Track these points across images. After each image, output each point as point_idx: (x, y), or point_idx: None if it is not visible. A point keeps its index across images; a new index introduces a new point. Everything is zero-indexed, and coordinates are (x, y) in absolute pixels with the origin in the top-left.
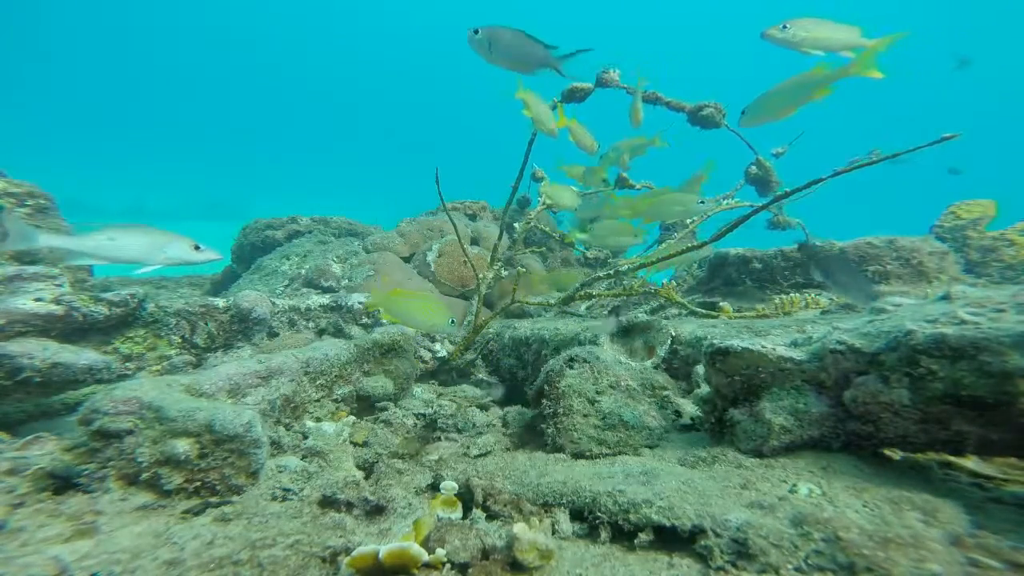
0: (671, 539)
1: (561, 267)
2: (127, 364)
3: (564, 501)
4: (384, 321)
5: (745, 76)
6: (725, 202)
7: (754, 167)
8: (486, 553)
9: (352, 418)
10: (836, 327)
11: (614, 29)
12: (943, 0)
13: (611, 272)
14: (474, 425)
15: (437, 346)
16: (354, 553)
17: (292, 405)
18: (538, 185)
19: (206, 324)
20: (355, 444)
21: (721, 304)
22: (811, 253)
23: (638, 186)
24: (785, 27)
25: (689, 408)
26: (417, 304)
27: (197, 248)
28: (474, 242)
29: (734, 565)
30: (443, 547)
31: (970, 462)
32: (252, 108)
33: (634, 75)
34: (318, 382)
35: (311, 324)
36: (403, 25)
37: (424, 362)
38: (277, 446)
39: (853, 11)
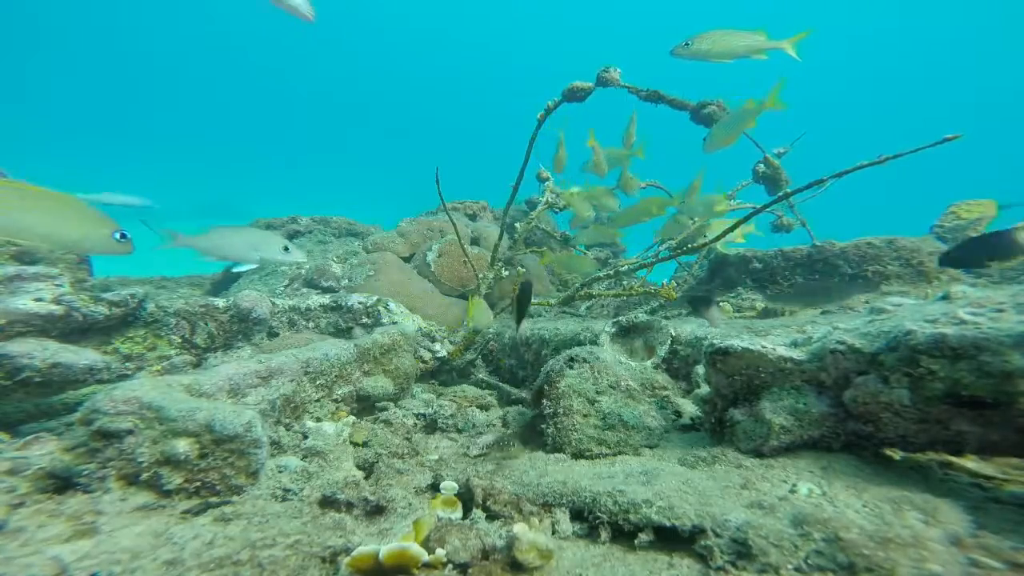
0: (671, 539)
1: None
2: (127, 364)
3: (564, 501)
4: (384, 321)
5: (744, 74)
6: (727, 202)
7: (762, 165)
8: (486, 553)
9: (352, 418)
10: (836, 327)
11: (610, 26)
12: (944, 1)
13: (611, 272)
14: (474, 425)
15: (437, 346)
16: (354, 553)
17: (292, 405)
18: (542, 186)
19: (206, 324)
20: (355, 444)
21: (721, 304)
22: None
23: (642, 184)
24: (688, 44)
25: (689, 408)
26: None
27: (286, 249)
28: (474, 242)
29: (734, 565)
30: (443, 547)
31: (970, 462)
32: (252, 108)
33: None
34: (318, 382)
35: (311, 324)
36: (403, 26)
37: (424, 362)
38: (277, 446)
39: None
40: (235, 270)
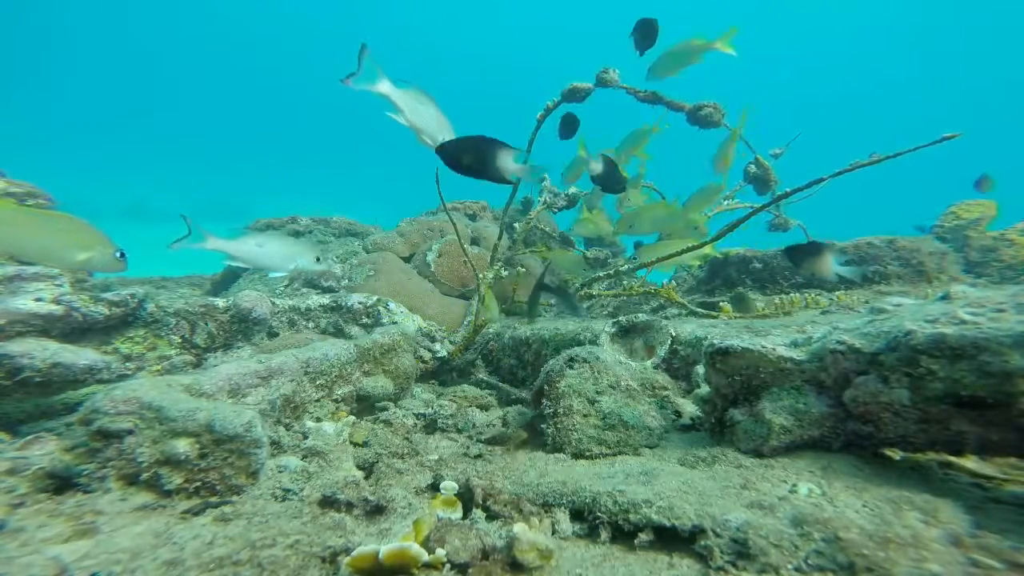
0: (671, 539)
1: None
2: (127, 364)
3: (564, 501)
4: (384, 321)
5: (744, 74)
6: (726, 203)
7: (752, 166)
8: (486, 553)
9: (352, 418)
10: (836, 327)
11: (611, 27)
12: (943, 1)
13: (611, 272)
14: (474, 425)
15: (437, 346)
16: (354, 553)
17: (292, 405)
18: (538, 186)
19: (206, 324)
20: (355, 444)
21: (721, 304)
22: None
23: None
24: (651, 70)
25: (689, 408)
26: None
27: (318, 260)
28: (474, 242)
29: (734, 565)
30: (443, 547)
31: (970, 462)
32: (252, 108)
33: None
34: (318, 382)
35: (311, 324)
36: (402, 26)
37: (424, 362)
38: (277, 446)
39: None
40: (270, 276)
